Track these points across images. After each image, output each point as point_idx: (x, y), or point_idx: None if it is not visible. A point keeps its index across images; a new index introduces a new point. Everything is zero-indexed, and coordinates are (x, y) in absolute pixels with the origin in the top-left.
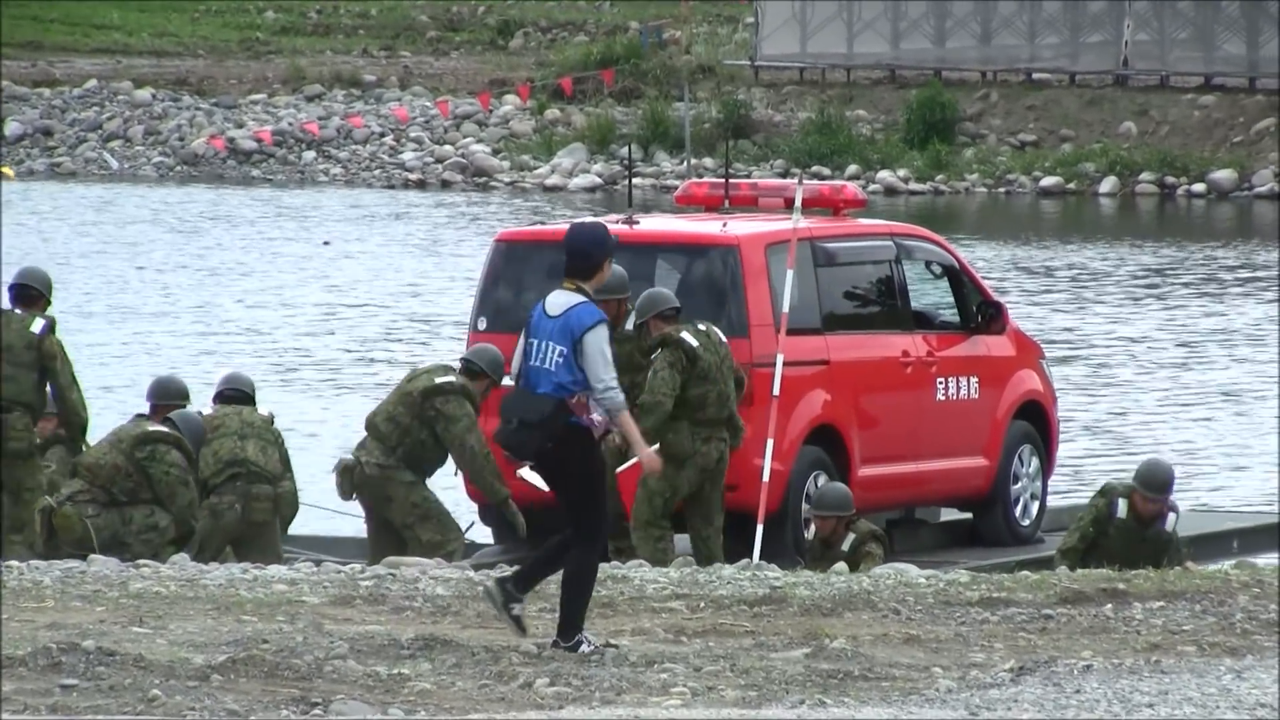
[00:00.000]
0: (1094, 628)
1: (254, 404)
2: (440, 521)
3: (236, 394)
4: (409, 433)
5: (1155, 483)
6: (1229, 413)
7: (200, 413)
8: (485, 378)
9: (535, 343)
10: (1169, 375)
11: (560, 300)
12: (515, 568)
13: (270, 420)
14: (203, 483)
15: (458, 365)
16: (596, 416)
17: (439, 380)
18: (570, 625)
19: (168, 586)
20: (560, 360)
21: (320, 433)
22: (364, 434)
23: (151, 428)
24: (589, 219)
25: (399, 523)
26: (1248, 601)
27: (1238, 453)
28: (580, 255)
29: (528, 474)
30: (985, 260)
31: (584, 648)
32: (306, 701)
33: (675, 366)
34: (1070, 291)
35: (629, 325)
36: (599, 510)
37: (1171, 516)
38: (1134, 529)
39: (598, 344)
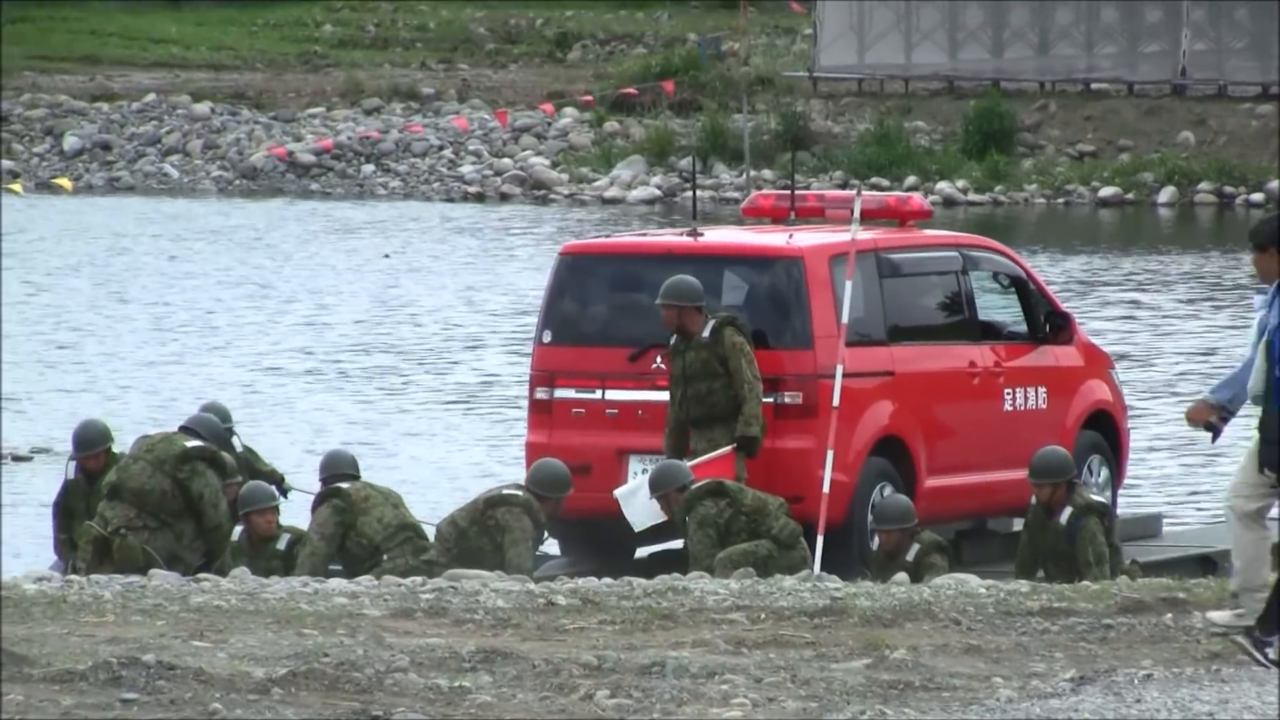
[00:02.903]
0: (1154, 637)
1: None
2: None
3: (347, 477)
4: (466, 537)
5: (1036, 469)
6: None
7: (342, 488)
8: (549, 500)
9: None
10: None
11: None
12: (1251, 612)
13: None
14: (374, 547)
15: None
16: None
17: (505, 492)
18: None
19: (228, 600)
20: None
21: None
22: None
23: (190, 444)
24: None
25: None
26: None
27: None
28: None
29: (621, 493)
30: (1048, 271)
31: (1270, 651)
32: (367, 714)
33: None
34: (1138, 302)
35: (705, 333)
36: None
37: (1067, 510)
38: (1042, 518)
39: None
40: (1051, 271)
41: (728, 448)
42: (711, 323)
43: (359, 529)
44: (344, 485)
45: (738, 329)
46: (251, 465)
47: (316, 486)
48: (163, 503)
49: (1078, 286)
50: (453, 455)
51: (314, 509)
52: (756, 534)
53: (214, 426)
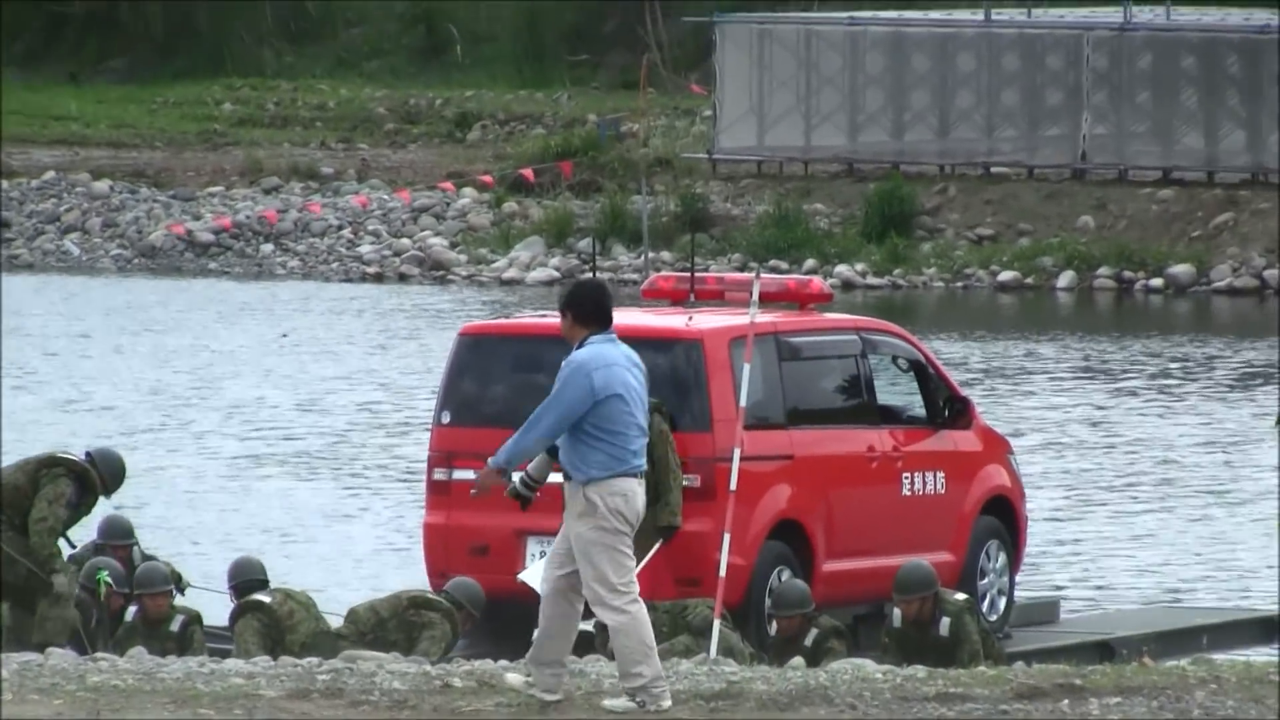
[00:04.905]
0: None
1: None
2: None
3: (258, 583)
4: (384, 626)
5: (902, 585)
6: (1207, 509)
7: (264, 601)
8: (466, 612)
9: None
10: (1145, 471)
11: None
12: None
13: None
14: None
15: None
16: None
17: (431, 596)
18: None
19: (125, 680)
20: None
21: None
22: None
23: (65, 455)
24: None
25: None
26: (1205, 697)
27: (1216, 549)
28: None
29: (526, 577)
30: (947, 354)
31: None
32: None
33: None
34: (1038, 386)
35: None
36: None
37: (945, 620)
38: (913, 635)
39: None
40: (951, 355)
41: (653, 550)
42: None
43: (286, 646)
44: (265, 599)
45: (664, 415)
46: None
47: (217, 584)
48: (14, 499)
49: (978, 371)
50: (362, 536)
51: (233, 620)
52: (675, 629)
53: (113, 460)
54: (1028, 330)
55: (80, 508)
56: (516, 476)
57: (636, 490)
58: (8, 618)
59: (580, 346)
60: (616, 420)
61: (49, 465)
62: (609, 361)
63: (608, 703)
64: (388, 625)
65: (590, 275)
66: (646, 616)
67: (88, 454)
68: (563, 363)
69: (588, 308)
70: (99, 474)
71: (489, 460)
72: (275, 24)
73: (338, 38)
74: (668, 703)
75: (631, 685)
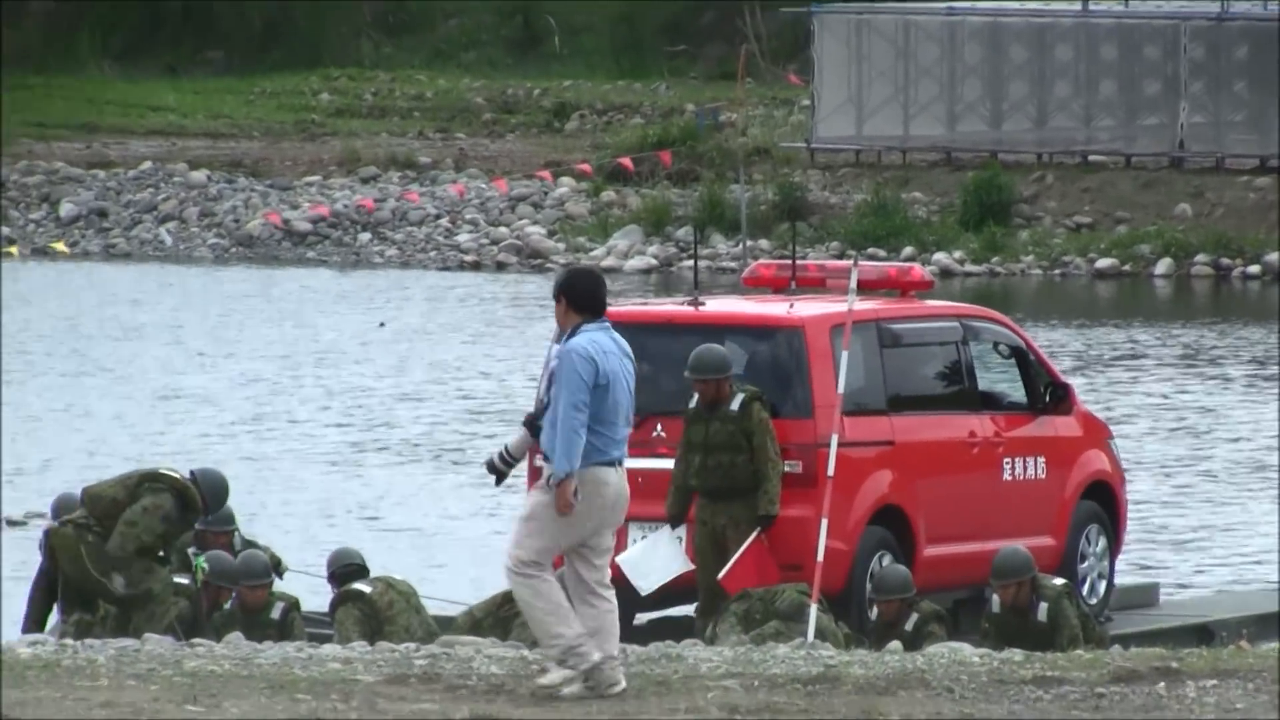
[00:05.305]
0: (1147, 706)
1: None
2: None
3: (355, 568)
4: (480, 627)
5: (999, 570)
6: None
7: (364, 591)
8: None
9: None
10: (1245, 458)
11: None
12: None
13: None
14: None
15: None
16: None
17: None
18: None
19: (222, 665)
20: None
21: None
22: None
23: (166, 472)
24: None
25: None
26: None
27: None
28: None
29: (623, 560)
30: (1047, 341)
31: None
32: None
33: None
34: (1138, 372)
35: (734, 405)
36: None
37: (1043, 605)
38: (1012, 620)
39: None
40: (1050, 342)
41: (750, 539)
42: (740, 396)
43: (385, 636)
44: (365, 589)
45: (764, 404)
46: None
47: (314, 567)
48: (110, 512)
49: (1078, 357)
50: (462, 524)
51: (333, 608)
52: (767, 616)
53: (215, 480)
54: (1126, 317)
55: (180, 525)
56: (495, 451)
57: (612, 479)
58: (112, 620)
59: (573, 334)
60: (607, 409)
61: (151, 480)
62: (604, 349)
63: (543, 680)
64: (482, 625)
65: (583, 263)
66: (551, 581)
67: (191, 473)
68: (556, 351)
69: (582, 295)
70: (200, 493)
71: (549, 480)
72: (373, 16)
73: (435, 29)
74: (597, 656)
75: (553, 651)
